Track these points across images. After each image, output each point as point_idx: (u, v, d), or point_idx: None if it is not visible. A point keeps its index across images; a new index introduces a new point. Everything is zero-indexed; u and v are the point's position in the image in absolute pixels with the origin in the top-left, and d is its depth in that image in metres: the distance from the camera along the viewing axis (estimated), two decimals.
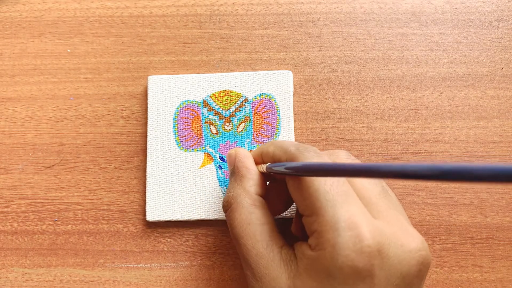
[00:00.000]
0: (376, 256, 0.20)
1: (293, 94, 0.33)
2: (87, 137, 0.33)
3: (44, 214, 0.32)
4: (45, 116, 0.34)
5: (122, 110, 0.33)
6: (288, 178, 0.24)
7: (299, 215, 0.27)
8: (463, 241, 0.31)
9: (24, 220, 0.32)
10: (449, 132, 0.32)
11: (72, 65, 0.34)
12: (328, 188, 0.21)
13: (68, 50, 0.34)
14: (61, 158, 0.33)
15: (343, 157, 0.25)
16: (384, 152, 0.32)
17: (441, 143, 0.32)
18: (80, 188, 0.33)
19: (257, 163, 0.27)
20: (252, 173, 0.26)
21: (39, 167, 0.33)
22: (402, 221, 0.23)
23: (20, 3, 0.35)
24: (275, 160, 0.25)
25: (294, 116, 0.33)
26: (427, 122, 0.32)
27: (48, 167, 0.33)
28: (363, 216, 0.21)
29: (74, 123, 0.33)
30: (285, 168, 0.23)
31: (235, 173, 0.26)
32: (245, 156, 0.27)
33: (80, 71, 0.34)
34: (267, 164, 0.26)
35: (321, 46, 0.34)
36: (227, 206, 0.25)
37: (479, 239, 0.31)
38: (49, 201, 0.32)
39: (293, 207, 0.30)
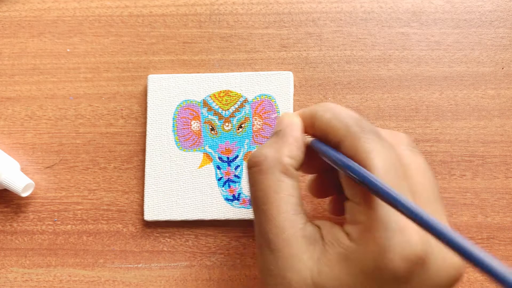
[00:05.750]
0: (419, 264, 0.19)
1: (293, 94, 0.33)
2: (86, 137, 0.33)
3: (43, 214, 0.32)
4: (45, 115, 0.34)
5: (121, 109, 0.33)
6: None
7: (342, 196, 0.25)
8: None
9: (23, 220, 0.32)
10: (450, 131, 0.32)
11: (72, 65, 0.34)
12: (387, 180, 0.19)
13: (68, 50, 0.34)
14: (61, 158, 0.33)
15: (404, 140, 0.23)
16: None
17: (442, 142, 0.32)
18: (79, 188, 0.32)
19: (304, 125, 0.24)
20: (296, 145, 0.23)
21: (39, 167, 0.33)
22: None
23: (20, 3, 0.35)
24: (328, 130, 0.22)
25: None
26: (428, 122, 0.32)
27: (48, 167, 0.33)
28: None
29: (74, 123, 0.33)
30: (347, 168, 0.20)
31: (279, 135, 0.23)
32: (298, 126, 0.24)
33: (79, 70, 0.34)
34: (313, 139, 0.23)
35: (321, 45, 0.34)
36: (255, 164, 0.23)
37: (479, 239, 0.31)
38: (49, 201, 0.32)
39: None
